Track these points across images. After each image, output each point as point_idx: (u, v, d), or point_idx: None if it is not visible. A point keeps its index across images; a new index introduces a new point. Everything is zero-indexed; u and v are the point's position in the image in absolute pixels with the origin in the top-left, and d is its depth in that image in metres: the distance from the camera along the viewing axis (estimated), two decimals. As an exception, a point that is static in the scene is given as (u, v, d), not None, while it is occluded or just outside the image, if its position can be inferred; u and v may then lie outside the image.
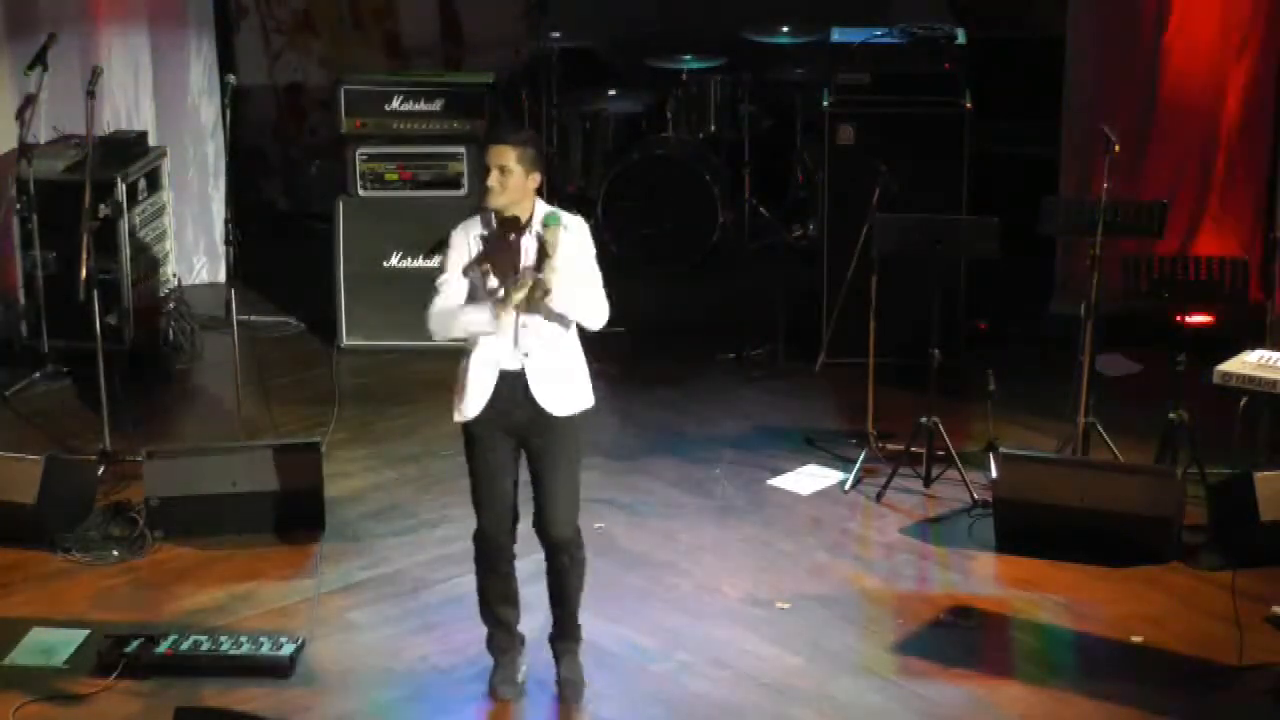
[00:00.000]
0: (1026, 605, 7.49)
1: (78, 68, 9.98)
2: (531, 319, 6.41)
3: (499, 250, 6.41)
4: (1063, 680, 6.96)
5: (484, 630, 6.91)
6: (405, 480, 8.64)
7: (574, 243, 6.42)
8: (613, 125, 11.24)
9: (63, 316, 9.44)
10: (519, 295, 6.32)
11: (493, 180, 6.38)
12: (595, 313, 6.47)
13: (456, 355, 6.57)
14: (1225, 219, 9.98)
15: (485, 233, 6.47)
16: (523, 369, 6.45)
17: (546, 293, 6.29)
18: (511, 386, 6.47)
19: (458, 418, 6.55)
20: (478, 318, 6.43)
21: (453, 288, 6.50)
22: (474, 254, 6.46)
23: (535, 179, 6.44)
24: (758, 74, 11.19)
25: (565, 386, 6.51)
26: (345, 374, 9.85)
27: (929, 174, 9.47)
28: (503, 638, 6.85)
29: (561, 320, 6.45)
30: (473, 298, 6.48)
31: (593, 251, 6.51)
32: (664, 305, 10.27)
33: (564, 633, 6.84)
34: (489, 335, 6.43)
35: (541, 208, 6.46)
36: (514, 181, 6.38)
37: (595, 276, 6.49)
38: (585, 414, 6.59)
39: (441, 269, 6.54)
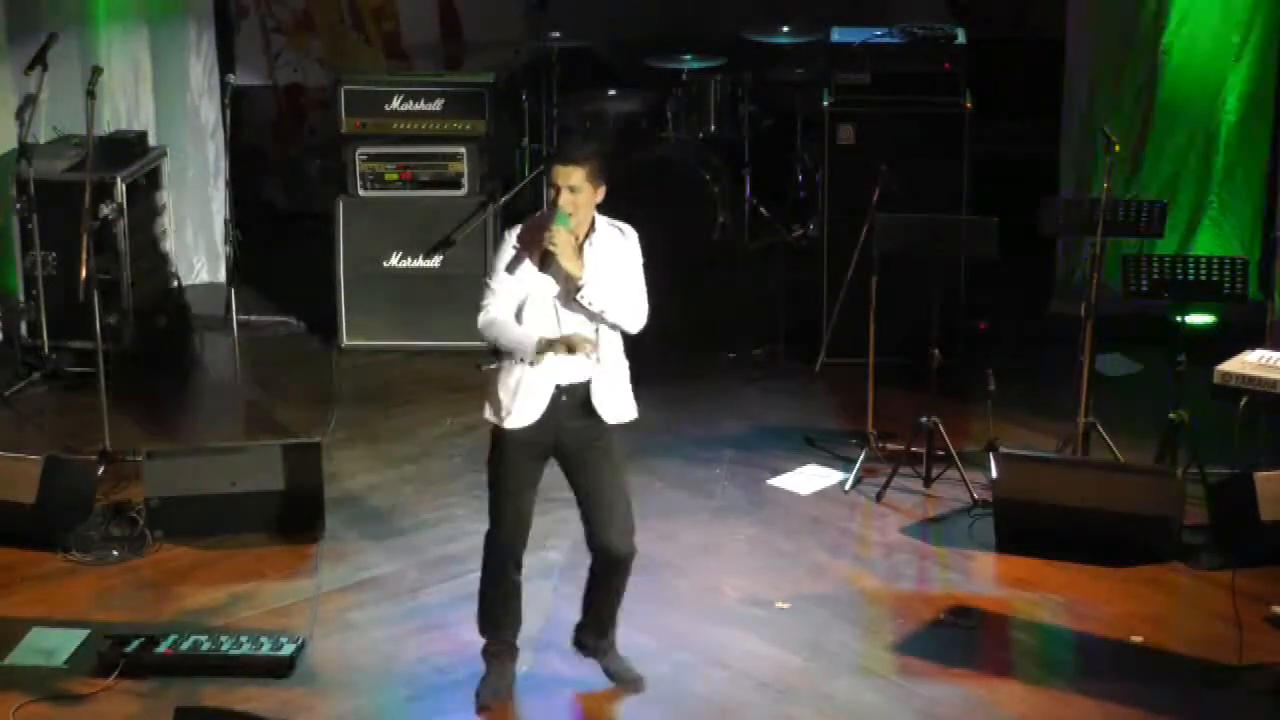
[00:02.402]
0: (1026, 605, 7.49)
1: (78, 68, 9.98)
2: (601, 329, 6.44)
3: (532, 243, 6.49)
4: (1063, 680, 6.96)
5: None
6: (405, 480, 8.64)
7: (629, 248, 6.50)
8: (613, 125, 11.24)
9: (63, 316, 9.45)
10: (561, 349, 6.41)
11: (564, 201, 6.36)
12: (632, 315, 6.48)
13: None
14: (1225, 219, 9.99)
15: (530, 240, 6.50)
16: (586, 380, 6.47)
17: (578, 289, 6.36)
18: (569, 397, 6.48)
19: (509, 424, 6.53)
20: (523, 346, 6.44)
21: (503, 293, 6.47)
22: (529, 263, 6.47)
23: (601, 192, 6.44)
24: (758, 74, 11.19)
25: (620, 396, 6.56)
26: (345, 374, 9.85)
27: (929, 174, 9.47)
28: (499, 647, 6.82)
29: (603, 320, 6.45)
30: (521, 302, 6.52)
31: (639, 260, 6.53)
32: (664, 305, 10.24)
33: (602, 632, 6.86)
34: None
35: (601, 219, 6.49)
36: (584, 199, 6.39)
37: (641, 282, 6.51)
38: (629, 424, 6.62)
39: (493, 269, 6.54)
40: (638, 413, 6.61)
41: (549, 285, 6.42)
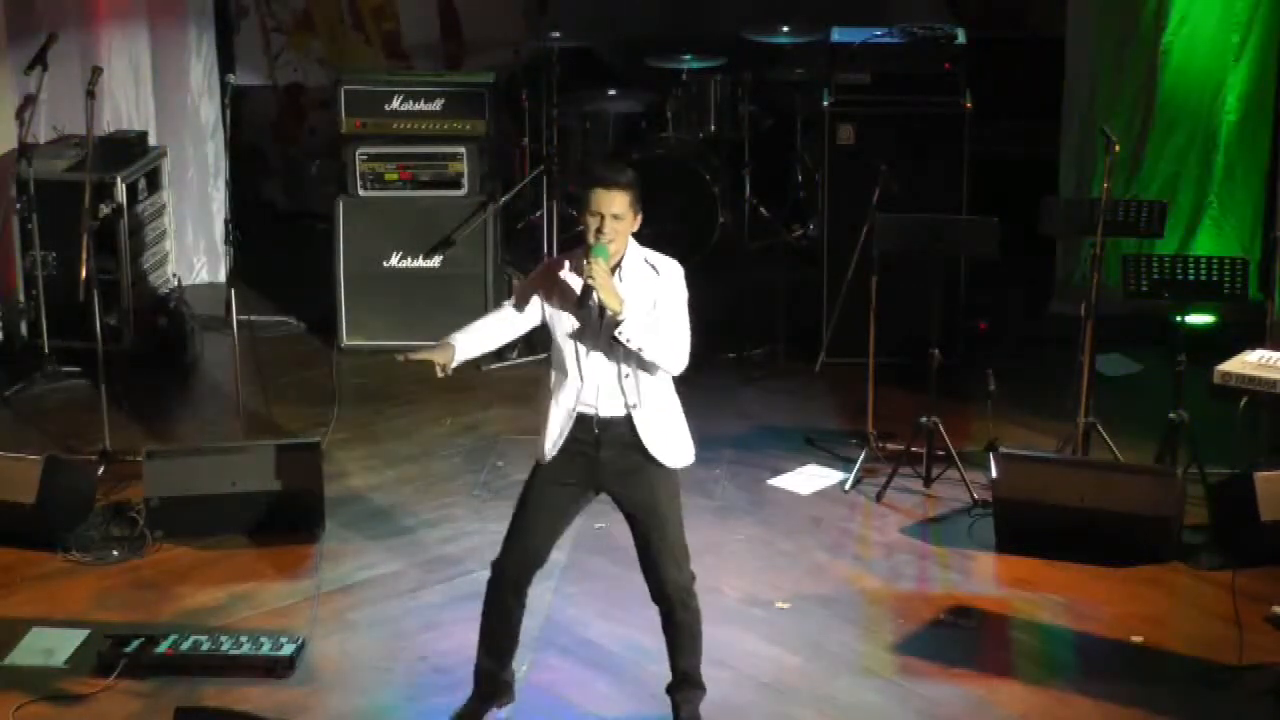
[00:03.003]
0: (1026, 605, 7.49)
1: (78, 68, 9.98)
2: (635, 368, 6.13)
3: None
4: (1063, 680, 6.96)
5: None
6: (405, 480, 8.64)
7: (662, 286, 6.14)
8: (613, 125, 11.24)
9: (63, 316, 9.44)
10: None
11: (607, 229, 6.00)
12: (673, 355, 6.13)
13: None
14: (1225, 219, 9.99)
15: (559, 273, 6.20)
16: (625, 416, 6.17)
17: (616, 324, 6.03)
18: (604, 433, 6.20)
19: (537, 456, 6.28)
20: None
21: (520, 308, 6.22)
22: (550, 294, 6.19)
23: (639, 220, 6.13)
24: (758, 74, 11.19)
25: (671, 436, 6.25)
26: (345, 374, 9.85)
27: (929, 174, 9.47)
28: (487, 683, 6.55)
29: (641, 361, 6.14)
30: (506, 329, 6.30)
31: (683, 296, 6.16)
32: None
33: (686, 682, 6.50)
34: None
35: (635, 248, 6.15)
36: (624, 226, 6.05)
37: (680, 320, 6.15)
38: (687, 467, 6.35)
39: (522, 288, 6.27)
40: (694, 456, 6.33)
41: (566, 322, 6.17)
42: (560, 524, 6.40)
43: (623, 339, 6.06)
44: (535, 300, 6.22)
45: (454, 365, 6.19)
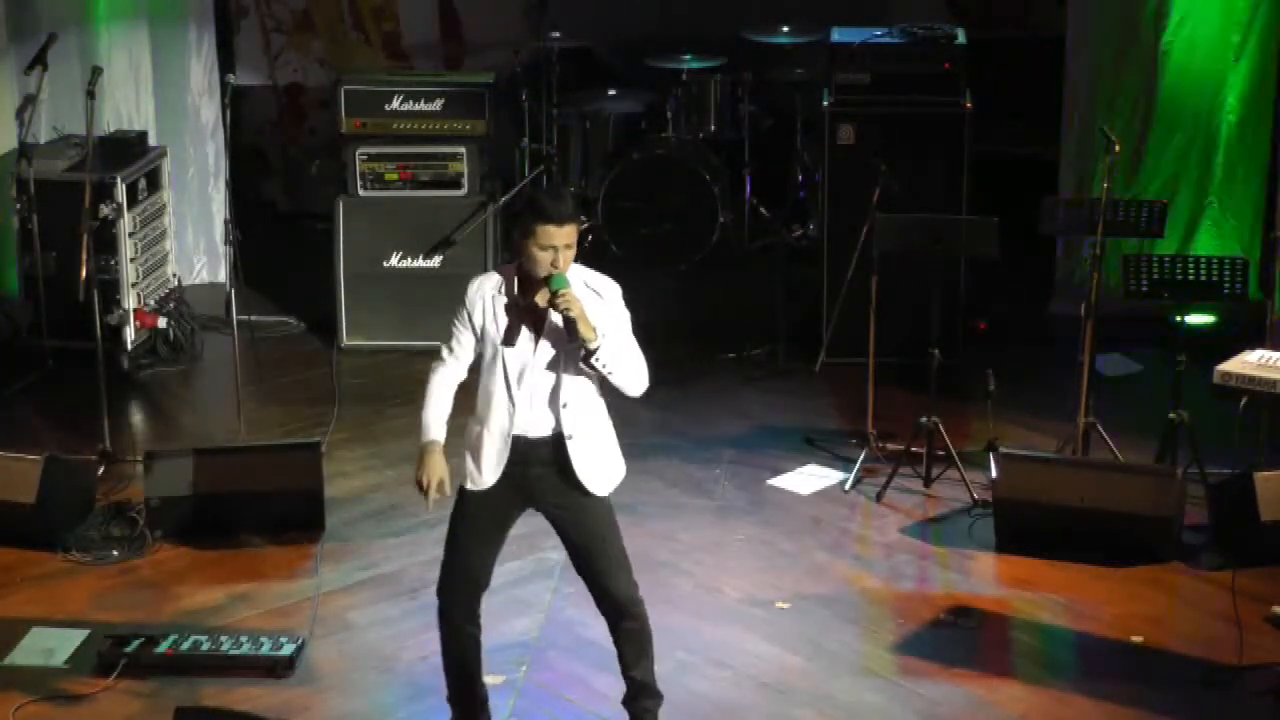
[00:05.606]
0: (1026, 605, 7.49)
1: (78, 68, 9.99)
2: (572, 397, 6.11)
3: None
4: (1063, 680, 6.97)
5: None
6: (405, 480, 8.57)
7: (608, 310, 6.11)
8: (613, 125, 11.25)
9: (63, 316, 9.44)
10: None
11: (560, 261, 5.99)
12: (638, 378, 6.15)
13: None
14: (1225, 219, 9.99)
15: (507, 300, 6.13)
16: (554, 436, 6.12)
17: (590, 353, 6.00)
18: (535, 452, 6.14)
19: (470, 486, 6.20)
20: (420, 426, 6.28)
21: (459, 355, 6.20)
22: (489, 315, 6.13)
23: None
24: (758, 74, 11.20)
25: (604, 462, 6.21)
26: (345, 374, 9.85)
27: (929, 174, 9.47)
28: (464, 703, 6.47)
29: (581, 388, 6.13)
30: (480, 358, 6.21)
31: (628, 316, 6.15)
32: (664, 305, 10.26)
33: (643, 692, 6.46)
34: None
35: (574, 270, 6.09)
36: (572, 253, 6.04)
37: (634, 342, 6.14)
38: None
39: (454, 326, 6.20)
40: (623, 473, 6.27)
41: (510, 350, 6.10)
42: (498, 546, 6.34)
43: (598, 365, 6.04)
44: (472, 337, 6.16)
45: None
